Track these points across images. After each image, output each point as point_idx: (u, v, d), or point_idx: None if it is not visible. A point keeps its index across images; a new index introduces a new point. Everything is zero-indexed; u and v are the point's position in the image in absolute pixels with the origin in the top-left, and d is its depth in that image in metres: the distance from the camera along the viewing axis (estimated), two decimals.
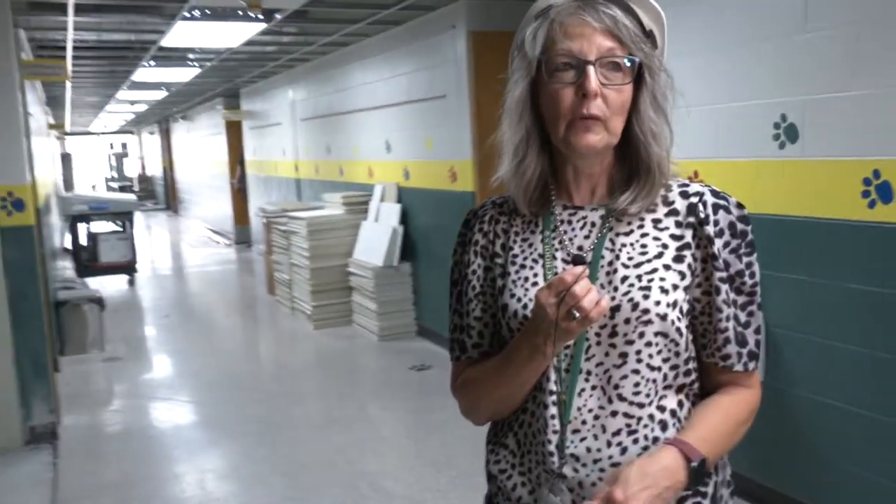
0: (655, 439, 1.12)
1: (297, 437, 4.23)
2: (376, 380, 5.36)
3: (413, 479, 3.64)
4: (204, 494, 3.58)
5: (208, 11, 5.07)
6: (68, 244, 9.73)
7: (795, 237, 2.92)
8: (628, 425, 1.12)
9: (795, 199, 2.90)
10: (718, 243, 1.13)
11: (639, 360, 1.11)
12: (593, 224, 1.17)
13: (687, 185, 1.18)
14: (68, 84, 8.78)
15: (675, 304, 1.12)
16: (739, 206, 1.17)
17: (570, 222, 1.18)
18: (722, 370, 1.17)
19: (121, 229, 9.35)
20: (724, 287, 1.14)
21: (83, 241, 9.18)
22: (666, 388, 1.14)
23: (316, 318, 6.70)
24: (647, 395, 1.12)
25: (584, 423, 1.12)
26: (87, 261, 8.98)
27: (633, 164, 1.15)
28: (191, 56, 7.39)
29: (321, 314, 6.71)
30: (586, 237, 1.17)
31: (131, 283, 9.52)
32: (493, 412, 1.23)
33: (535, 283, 1.16)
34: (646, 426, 1.12)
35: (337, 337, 6.47)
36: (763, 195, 3.02)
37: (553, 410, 1.13)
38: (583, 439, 1.12)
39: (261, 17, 5.10)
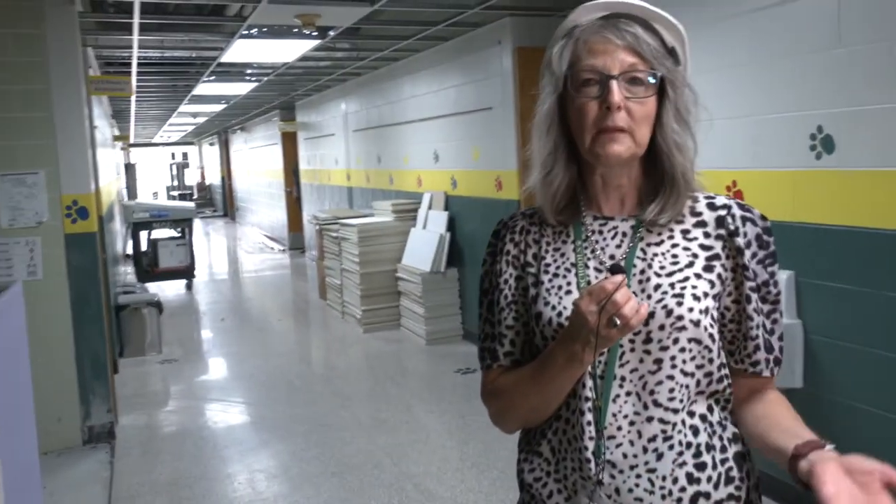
0: (689, 444, 1.13)
1: (346, 437, 4.34)
2: (423, 382, 5.45)
3: (456, 480, 3.72)
4: (254, 494, 3.69)
5: (265, 29, 5.27)
6: (130, 250, 10.10)
7: (833, 246, 2.93)
8: (664, 431, 1.13)
9: (832, 208, 2.91)
10: (747, 254, 1.16)
11: (673, 366, 1.13)
12: (624, 234, 1.20)
13: (713, 198, 1.21)
14: (133, 98, 9.15)
15: (706, 311, 1.14)
16: (763, 218, 1.20)
17: (600, 232, 1.21)
18: (750, 376, 1.20)
19: (180, 236, 9.63)
20: (754, 296, 1.17)
21: (144, 247, 9.49)
22: (698, 393, 1.16)
23: (365, 322, 6.86)
24: (681, 401, 1.14)
25: (619, 429, 1.13)
26: (148, 266, 9.28)
27: (659, 175, 1.18)
28: (249, 71, 7.64)
29: (370, 318, 6.87)
30: (618, 246, 1.19)
31: (189, 287, 9.82)
32: (525, 420, 1.24)
33: (568, 292, 1.18)
34: (679, 431, 1.13)
35: (385, 340, 6.60)
36: (801, 204, 3.03)
37: (589, 417, 1.14)
38: (619, 445, 1.13)
39: (315, 34, 5.27)
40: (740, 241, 1.17)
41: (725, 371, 1.19)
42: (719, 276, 1.17)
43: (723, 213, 1.19)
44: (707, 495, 1.13)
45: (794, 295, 3.10)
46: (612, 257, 1.18)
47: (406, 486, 3.67)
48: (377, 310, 6.87)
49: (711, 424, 1.16)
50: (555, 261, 1.22)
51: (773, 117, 3.11)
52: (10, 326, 1.64)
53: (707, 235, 1.18)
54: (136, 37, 5.16)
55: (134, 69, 6.60)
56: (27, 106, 4.04)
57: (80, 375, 4.31)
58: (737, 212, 1.19)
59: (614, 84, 1.11)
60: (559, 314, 1.16)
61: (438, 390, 5.17)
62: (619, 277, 1.03)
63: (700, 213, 1.20)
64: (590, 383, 1.14)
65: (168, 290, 9.61)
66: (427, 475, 3.80)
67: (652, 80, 1.13)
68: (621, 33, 1.13)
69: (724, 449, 1.16)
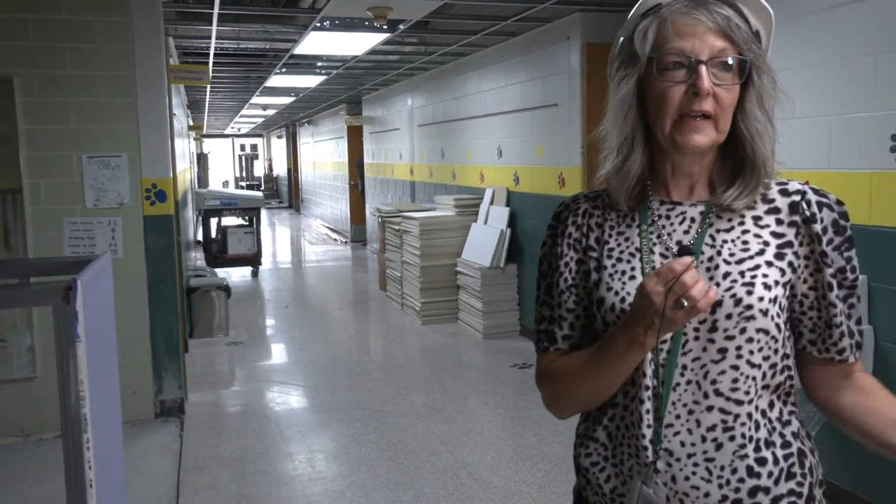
0: (751, 438, 1.11)
1: (402, 424, 4.42)
2: (479, 375, 5.48)
3: (510, 471, 3.75)
4: (314, 472, 3.80)
5: (337, 22, 5.38)
6: (200, 236, 10.43)
7: None
8: (724, 421, 1.11)
9: None
10: (825, 240, 1.13)
11: (739, 357, 1.10)
12: (693, 219, 1.17)
13: (786, 184, 1.18)
14: (208, 88, 9.43)
15: (775, 301, 1.11)
16: (839, 202, 1.16)
17: (668, 217, 1.18)
18: (837, 364, 1.17)
19: (248, 224, 9.91)
20: (835, 282, 1.13)
21: (214, 233, 9.80)
22: (764, 387, 1.14)
23: (424, 314, 6.95)
24: (747, 393, 1.11)
25: (677, 417, 1.12)
26: (217, 252, 9.59)
27: (737, 161, 1.15)
28: (319, 64, 7.79)
29: (429, 310, 6.96)
30: (685, 232, 1.16)
31: (255, 274, 10.09)
32: (580, 405, 1.23)
33: (632, 277, 1.15)
34: (743, 424, 1.11)
35: (443, 333, 6.67)
36: (877, 207, 2.96)
37: (648, 405, 1.12)
38: (676, 433, 1.12)
39: (385, 27, 5.36)
40: (817, 227, 1.14)
41: (788, 362, 1.17)
42: (790, 263, 1.14)
43: (797, 198, 1.16)
44: (766, 490, 1.12)
45: (865, 300, 3.02)
46: (678, 243, 1.16)
47: (461, 474, 3.72)
48: (436, 303, 6.96)
49: (770, 420, 1.14)
50: (618, 245, 1.19)
51: (851, 117, 3.05)
52: (101, 290, 1.75)
53: (780, 222, 1.15)
54: (214, 27, 5.32)
55: (211, 60, 6.81)
56: (113, 92, 4.23)
57: (155, 352, 4.50)
58: (812, 197, 1.15)
59: (704, 69, 1.07)
60: (622, 300, 1.14)
61: (494, 383, 5.20)
62: (687, 259, 1.01)
63: (773, 200, 1.17)
64: (650, 370, 1.12)
65: (235, 275, 9.90)
66: (481, 464, 3.84)
67: (739, 67, 1.09)
68: (712, 15, 1.08)
69: (785, 445, 1.15)
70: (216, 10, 4.80)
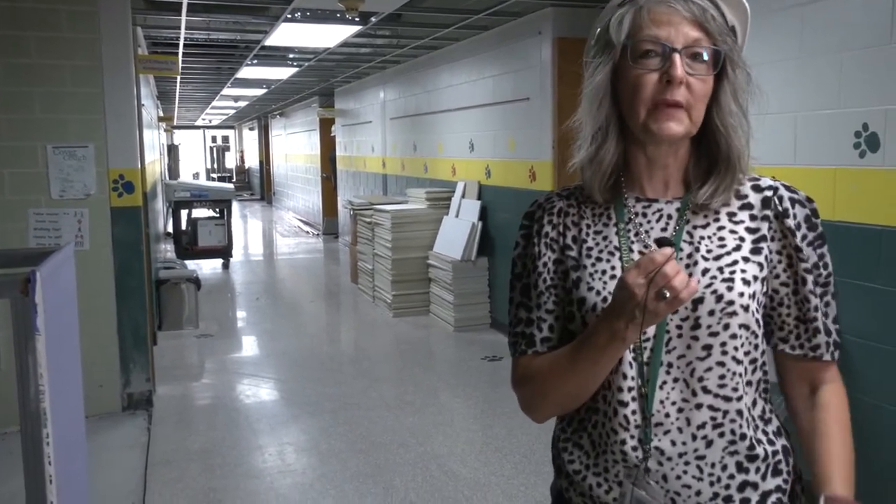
0: (743, 436, 1.12)
1: (373, 417, 4.42)
2: (449, 368, 5.50)
3: (479, 463, 3.77)
4: (283, 465, 3.79)
5: (309, 13, 5.34)
6: (170, 228, 10.33)
7: (873, 246, 2.90)
8: (713, 418, 1.11)
9: (874, 207, 2.88)
10: (798, 235, 1.14)
11: (724, 353, 1.10)
12: (669, 216, 1.16)
13: (758, 180, 1.18)
14: (178, 79, 9.31)
15: (754, 296, 1.11)
16: (810, 199, 1.17)
17: (644, 214, 1.17)
18: (810, 361, 1.17)
19: (219, 216, 9.83)
20: (810, 278, 1.14)
21: (184, 225, 9.70)
22: (748, 383, 1.14)
23: (395, 307, 6.95)
24: (734, 389, 1.11)
25: (667, 416, 1.11)
26: (187, 244, 9.50)
27: (712, 157, 1.14)
28: (290, 56, 7.73)
29: (400, 303, 6.95)
30: (663, 229, 1.16)
31: (226, 266, 10.01)
32: (559, 406, 1.19)
33: (612, 276, 1.14)
34: (733, 421, 1.11)
35: (414, 325, 6.68)
36: (841, 203, 3.01)
37: (634, 406, 1.11)
38: (667, 432, 1.11)
39: (357, 19, 5.33)
40: (791, 222, 1.14)
41: (765, 358, 1.17)
42: (766, 258, 1.14)
43: (769, 193, 1.16)
44: (755, 485, 1.13)
45: None
46: (657, 239, 1.16)
47: (430, 466, 3.74)
48: (407, 295, 6.96)
49: (754, 418, 1.15)
50: (597, 244, 1.18)
51: (817, 114, 3.09)
52: (62, 282, 1.73)
53: (753, 218, 1.15)
54: (183, 17, 5.25)
55: (180, 50, 6.72)
56: (79, 81, 4.16)
57: (122, 345, 4.45)
58: (784, 193, 1.16)
59: (677, 57, 1.07)
60: (604, 299, 1.13)
61: (465, 376, 5.22)
62: (668, 250, 0.99)
63: (745, 196, 1.17)
64: (631, 372, 1.12)
65: (206, 268, 9.81)
66: (451, 456, 3.86)
67: (714, 58, 1.09)
68: (688, 5, 1.08)
69: (771, 442, 1.16)
70: (185, 0, 4.74)
